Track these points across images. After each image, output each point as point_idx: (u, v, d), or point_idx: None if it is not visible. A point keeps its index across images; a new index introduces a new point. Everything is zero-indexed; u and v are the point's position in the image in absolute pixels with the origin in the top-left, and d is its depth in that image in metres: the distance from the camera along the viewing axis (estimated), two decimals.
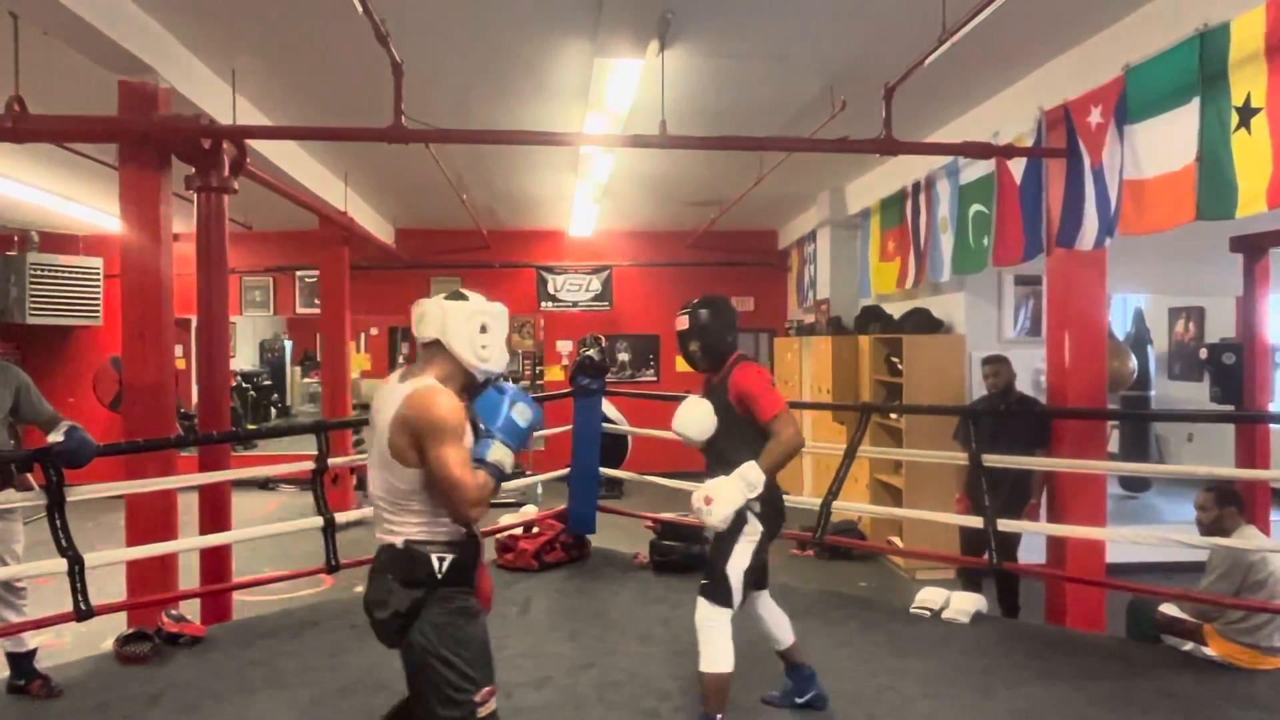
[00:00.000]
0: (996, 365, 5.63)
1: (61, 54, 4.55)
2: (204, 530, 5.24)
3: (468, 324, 2.46)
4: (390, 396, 2.40)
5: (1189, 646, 4.29)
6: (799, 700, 3.65)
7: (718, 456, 3.40)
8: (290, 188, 7.24)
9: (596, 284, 12.33)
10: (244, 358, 14.90)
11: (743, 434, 3.32)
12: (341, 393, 9.49)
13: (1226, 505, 4.37)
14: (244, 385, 13.71)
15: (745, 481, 3.18)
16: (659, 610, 4.96)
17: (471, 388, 2.51)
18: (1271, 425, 6.26)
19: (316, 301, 10.96)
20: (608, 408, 6.70)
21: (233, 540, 5.32)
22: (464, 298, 2.52)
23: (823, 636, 4.48)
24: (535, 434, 2.67)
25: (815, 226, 10.25)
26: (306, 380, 15.09)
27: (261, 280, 12.12)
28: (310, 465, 4.84)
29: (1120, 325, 9.66)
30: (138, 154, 4.87)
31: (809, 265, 10.87)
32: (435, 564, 2.36)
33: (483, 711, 2.35)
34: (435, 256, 11.88)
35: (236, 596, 5.59)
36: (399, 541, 2.38)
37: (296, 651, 4.32)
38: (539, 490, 9.39)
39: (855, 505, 6.95)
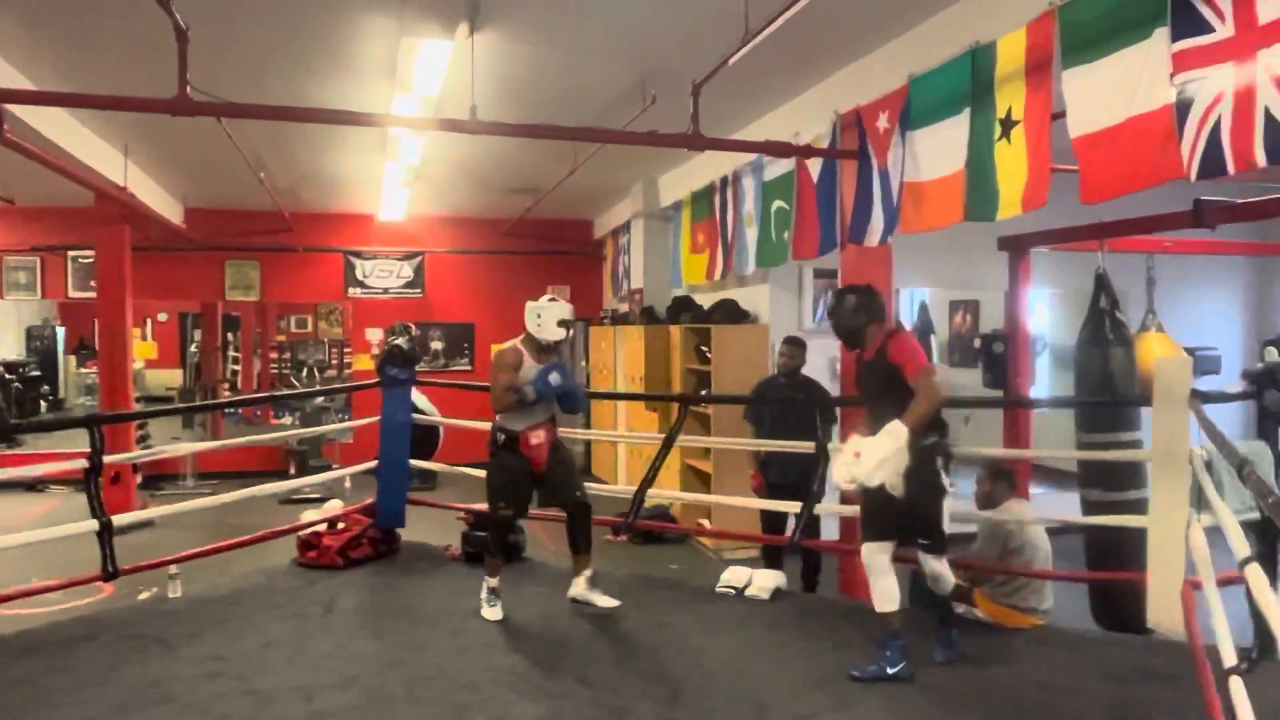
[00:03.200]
0: (794, 348, 5.94)
1: None
2: None
3: (530, 312, 4.56)
4: None
5: (962, 609, 4.70)
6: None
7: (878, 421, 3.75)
8: (59, 159, 6.56)
9: (408, 270, 11.98)
10: (7, 346, 13.44)
11: (898, 397, 3.71)
12: (122, 384, 8.71)
13: (998, 480, 4.83)
14: (6, 376, 12.39)
15: (891, 437, 3.56)
16: (470, 602, 4.89)
17: (541, 347, 4.57)
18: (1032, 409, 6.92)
19: (93, 285, 10.01)
20: (419, 398, 6.54)
21: None
22: (537, 300, 4.62)
23: (634, 619, 4.59)
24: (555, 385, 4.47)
25: (629, 218, 10.41)
26: (82, 370, 13.80)
27: (27, 260, 10.97)
28: (84, 463, 4.45)
29: (909, 318, 10.41)
30: None
31: (623, 255, 11.03)
32: (496, 436, 4.62)
33: (499, 514, 4.68)
34: (231, 239, 11.13)
35: None
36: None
37: (67, 668, 3.95)
38: (346, 484, 9.02)
39: (667, 492, 7.15)
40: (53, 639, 4.31)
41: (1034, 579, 4.62)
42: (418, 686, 3.80)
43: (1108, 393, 5.00)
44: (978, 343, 9.05)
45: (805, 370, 5.96)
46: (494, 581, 4.70)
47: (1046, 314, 10.37)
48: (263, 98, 5.45)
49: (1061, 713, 3.59)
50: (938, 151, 4.45)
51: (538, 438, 4.60)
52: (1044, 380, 10.30)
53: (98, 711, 3.51)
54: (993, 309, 10.24)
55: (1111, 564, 4.84)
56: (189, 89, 4.24)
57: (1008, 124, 3.95)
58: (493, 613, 4.62)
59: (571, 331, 4.68)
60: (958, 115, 4.28)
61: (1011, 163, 3.94)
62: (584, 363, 11.85)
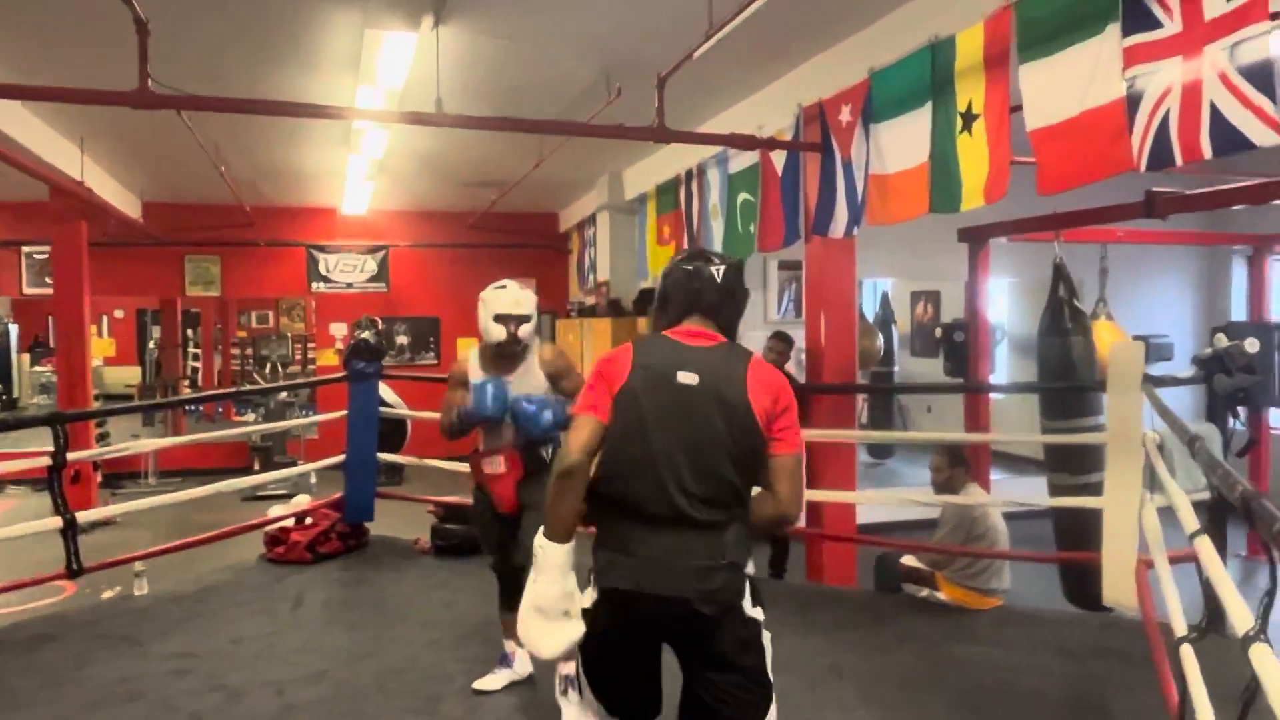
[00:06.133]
0: (783, 345, 6.01)
1: None
2: None
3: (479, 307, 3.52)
4: None
5: (925, 593, 4.82)
6: None
7: None
8: (12, 152, 6.44)
9: (372, 264, 11.88)
10: None
11: None
12: (80, 382, 8.55)
13: (956, 466, 4.94)
14: None
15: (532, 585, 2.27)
16: (441, 595, 4.92)
17: (495, 354, 3.53)
18: (992, 394, 7.07)
19: (49, 281, 9.81)
20: (385, 391, 6.52)
21: None
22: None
23: None
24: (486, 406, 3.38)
25: (595, 210, 10.41)
26: (38, 369, 13.53)
27: None
28: (46, 462, 4.38)
29: (871, 308, 10.55)
30: None
31: (589, 248, 11.04)
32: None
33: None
34: (190, 233, 10.96)
35: None
36: None
37: (32, 667, 3.91)
38: (312, 479, 8.97)
39: None
40: (16, 639, 4.26)
41: (995, 562, 4.74)
42: (389, 679, 3.81)
43: (1069, 380, 5.09)
44: (939, 332, 9.23)
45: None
46: (509, 645, 3.71)
47: (1005, 303, 10.57)
48: (224, 90, 5.38)
49: (1020, 690, 3.70)
50: (901, 144, 4.52)
51: (493, 465, 3.50)
52: (1003, 368, 10.52)
53: (67, 710, 3.48)
54: (953, 299, 10.43)
55: (1076, 545, 4.95)
56: (150, 81, 4.19)
57: (969, 117, 4.03)
58: (488, 680, 3.67)
59: (523, 330, 3.45)
60: (920, 108, 4.35)
61: (973, 155, 4.02)
62: None
